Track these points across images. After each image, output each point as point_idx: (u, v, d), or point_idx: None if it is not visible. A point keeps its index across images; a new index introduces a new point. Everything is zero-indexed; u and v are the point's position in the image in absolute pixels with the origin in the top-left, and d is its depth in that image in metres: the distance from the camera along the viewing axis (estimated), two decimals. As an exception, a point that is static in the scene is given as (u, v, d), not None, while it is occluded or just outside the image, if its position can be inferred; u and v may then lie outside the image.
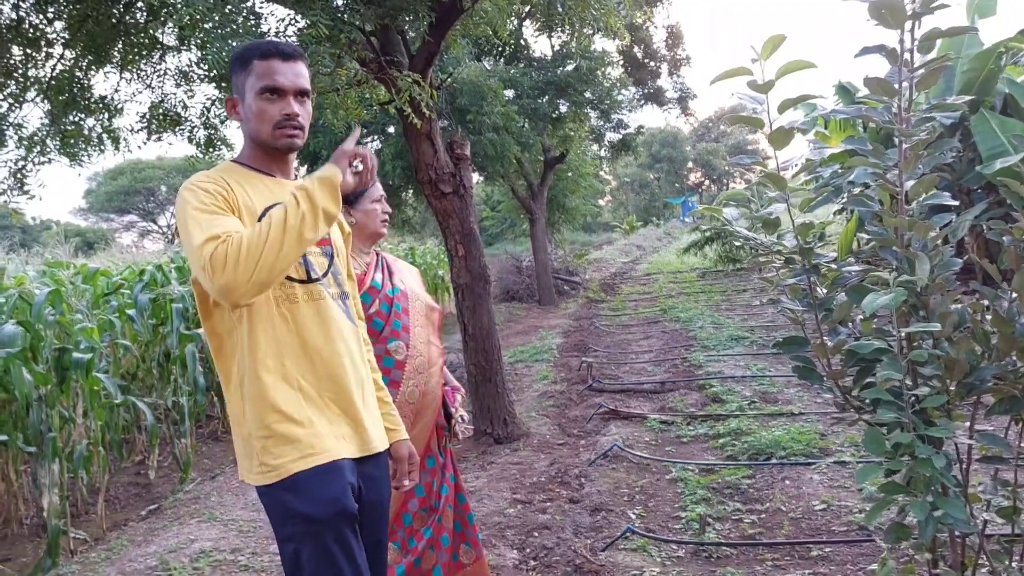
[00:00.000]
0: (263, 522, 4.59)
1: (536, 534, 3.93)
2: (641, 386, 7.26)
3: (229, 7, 3.95)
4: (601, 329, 11.39)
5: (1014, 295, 2.05)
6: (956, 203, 2.14)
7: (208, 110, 5.79)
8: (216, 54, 3.78)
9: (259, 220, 1.78)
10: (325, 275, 1.92)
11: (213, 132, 6.00)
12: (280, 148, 1.90)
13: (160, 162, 39.99)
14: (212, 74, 5.27)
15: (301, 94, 1.88)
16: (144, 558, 4.16)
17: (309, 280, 1.87)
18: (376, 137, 12.21)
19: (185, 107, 5.88)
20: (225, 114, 6.19)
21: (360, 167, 1.81)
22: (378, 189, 2.71)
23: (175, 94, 5.76)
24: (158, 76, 5.72)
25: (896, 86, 2.04)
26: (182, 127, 5.76)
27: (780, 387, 6.49)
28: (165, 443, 6.86)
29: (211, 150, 5.93)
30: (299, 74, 1.88)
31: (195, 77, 5.68)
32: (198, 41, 4.18)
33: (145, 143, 6.00)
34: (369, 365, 2.04)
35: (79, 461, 5.11)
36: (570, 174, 17.10)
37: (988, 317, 2.07)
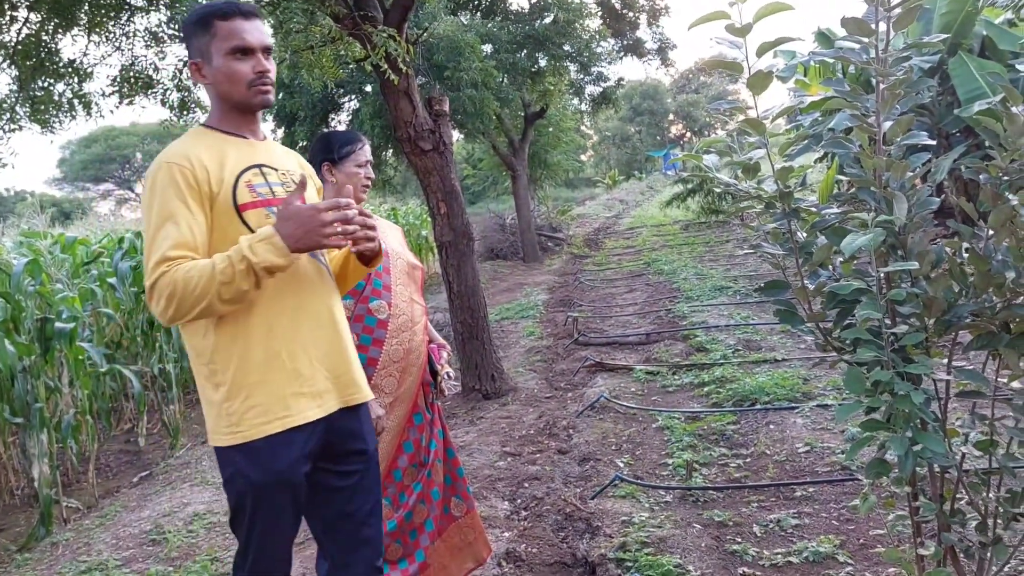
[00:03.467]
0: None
1: (526, 485, 3.99)
2: (626, 338, 7.32)
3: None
4: (586, 284, 11.43)
5: (990, 233, 2.07)
6: (934, 142, 2.14)
7: (180, 72, 5.69)
8: (185, 14, 3.70)
9: (234, 187, 1.81)
10: None
11: (186, 94, 5.90)
12: (255, 105, 1.89)
13: (134, 128, 39.29)
14: (183, 34, 5.18)
15: (267, 51, 1.89)
16: (138, 523, 4.20)
17: None
18: (354, 96, 12.04)
19: (156, 69, 5.78)
20: (198, 76, 6.09)
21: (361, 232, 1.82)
22: (365, 153, 2.68)
23: (145, 56, 5.64)
24: (127, 38, 5.59)
25: (873, 26, 2.03)
26: (154, 90, 5.67)
27: (763, 335, 6.56)
28: (153, 410, 6.86)
29: (185, 112, 5.84)
30: (262, 30, 1.89)
31: (165, 37, 5.56)
32: (167, 1, 4.09)
33: (117, 107, 5.91)
34: None
35: (67, 431, 5.11)
36: (551, 129, 16.97)
37: (965, 255, 2.10)
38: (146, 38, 5.61)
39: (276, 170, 1.93)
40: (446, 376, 3.01)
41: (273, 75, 1.90)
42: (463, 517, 2.92)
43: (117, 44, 5.60)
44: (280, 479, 1.79)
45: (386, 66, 4.74)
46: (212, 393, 1.81)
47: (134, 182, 41.78)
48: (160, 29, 5.54)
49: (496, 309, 9.71)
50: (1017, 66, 7.58)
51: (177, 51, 5.76)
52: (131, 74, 5.59)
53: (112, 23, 5.40)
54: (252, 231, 1.79)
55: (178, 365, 6.74)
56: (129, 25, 5.56)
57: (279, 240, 1.71)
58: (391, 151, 12.44)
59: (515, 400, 5.72)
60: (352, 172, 2.62)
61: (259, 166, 1.90)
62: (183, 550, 3.79)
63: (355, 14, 4.77)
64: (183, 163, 1.79)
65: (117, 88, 5.63)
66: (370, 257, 2.03)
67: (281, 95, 11.62)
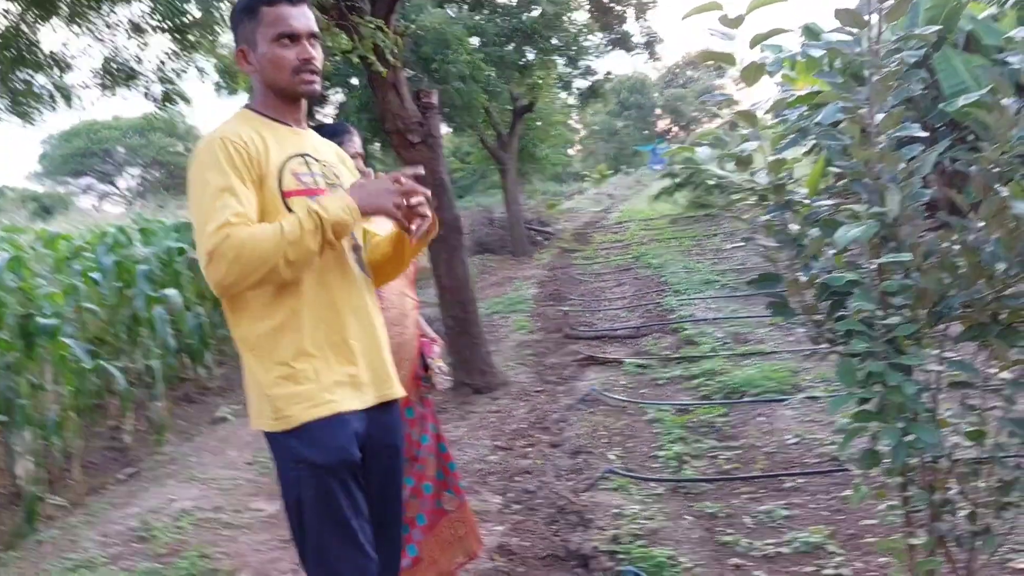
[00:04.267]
0: (243, 480, 4.60)
1: (518, 479, 3.99)
2: (616, 332, 7.33)
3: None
4: (575, 278, 11.44)
5: (981, 224, 2.08)
6: (926, 134, 2.15)
7: (164, 63, 5.62)
8: (168, 4, 3.66)
9: (280, 173, 1.80)
10: None
11: (170, 86, 5.83)
12: (301, 94, 1.88)
13: (116, 122, 38.82)
14: (166, 25, 5.10)
15: (313, 37, 1.86)
16: (125, 519, 4.16)
17: None
18: (340, 89, 11.97)
19: (139, 61, 5.71)
20: (182, 68, 6.02)
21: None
22: (355, 145, 2.66)
23: (128, 47, 5.57)
24: (109, 28, 5.52)
25: (866, 17, 2.02)
26: (137, 82, 5.60)
27: (752, 327, 6.58)
28: (139, 407, 6.81)
29: (168, 105, 5.78)
30: (309, 17, 1.86)
31: (148, 28, 5.49)
32: (149, -9, 4.05)
33: (99, 99, 5.84)
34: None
35: (52, 428, 5.05)
36: (539, 123, 16.95)
37: (956, 247, 2.10)
38: (129, 29, 5.54)
39: (319, 160, 1.92)
40: (438, 370, 3.00)
41: (319, 63, 1.88)
42: (455, 511, 2.91)
43: (99, 35, 5.53)
44: (342, 457, 1.78)
45: (373, 58, 4.71)
46: (261, 377, 1.79)
47: (116, 176, 41.37)
48: (143, 20, 5.46)
49: (486, 303, 9.70)
50: (1008, 59, 7.61)
51: (161, 42, 5.70)
52: (113, 66, 5.52)
53: (94, 13, 5.33)
54: None
55: (163, 361, 6.68)
56: (111, 15, 5.48)
57: (350, 200, 1.74)
58: (379, 144, 12.38)
59: (506, 394, 5.71)
60: None
61: (304, 155, 1.89)
62: (171, 547, 3.76)
63: (342, 4, 4.74)
64: (237, 140, 1.77)
65: (99, 80, 5.56)
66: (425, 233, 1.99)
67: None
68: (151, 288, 6.94)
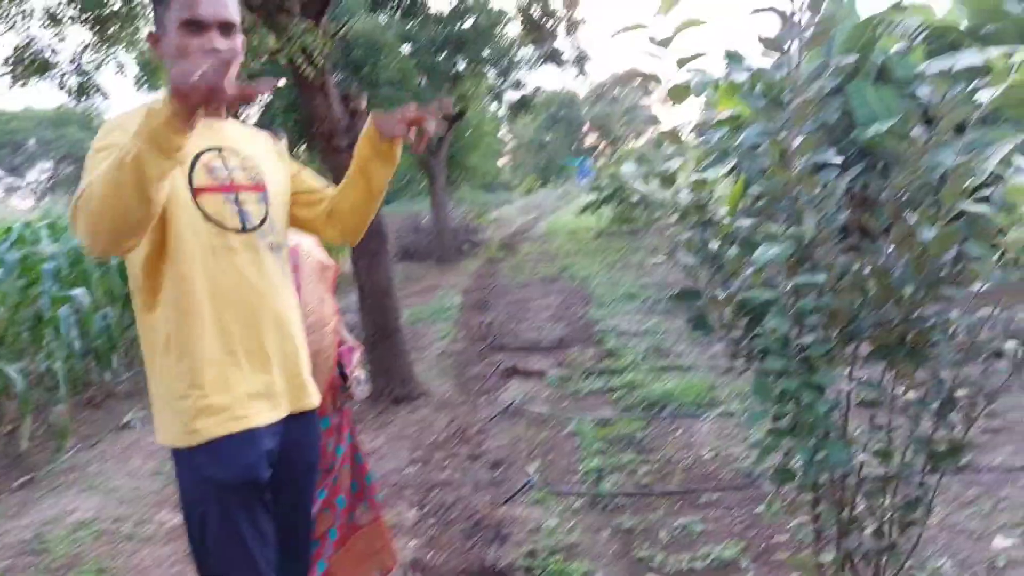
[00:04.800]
0: (148, 490, 4.41)
1: (436, 492, 3.94)
2: (540, 343, 7.35)
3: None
4: (501, 287, 11.44)
5: (890, 248, 2.15)
6: (841, 159, 2.22)
7: (80, 55, 5.38)
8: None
9: (191, 168, 1.68)
10: (262, 224, 1.79)
11: (86, 79, 5.59)
12: None
13: (28, 112, 37.06)
14: (84, 16, 4.89)
15: (226, 26, 1.71)
16: (18, 531, 3.92)
17: (244, 230, 1.74)
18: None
19: (54, 51, 5.44)
20: (100, 59, 5.76)
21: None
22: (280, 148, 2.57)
23: (42, 37, 5.31)
24: (23, 17, 5.24)
25: (786, 46, 2.08)
26: (51, 73, 5.34)
27: (672, 341, 6.70)
28: (39, 411, 6.45)
29: (84, 98, 5.53)
30: (223, 4, 1.71)
31: (65, 19, 5.25)
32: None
33: (10, 89, 5.53)
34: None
35: (-59, 432, 4.74)
36: (470, 133, 16.95)
37: (867, 269, 2.17)
38: (43, 19, 5.28)
39: (238, 154, 1.79)
40: (356, 379, 2.93)
41: (233, 54, 1.67)
42: (369, 525, 2.85)
43: (11, 23, 5.24)
44: (250, 478, 1.68)
45: (302, 60, 4.61)
46: (165, 389, 1.69)
47: (26, 169, 39.42)
48: (59, 10, 5.21)
49: (410, 311, 9.59)
50: (916, 92, 7.98)
51: (78, 33, 5.45)
52: (26, 55, 5.24)
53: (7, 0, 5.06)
54: (208, 218, 1.68)
55: (67, 364, 6.35)
56: (25, 3, 5.21)
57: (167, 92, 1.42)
58: (305, 146, 12.15)
59: (426, 404, 5.64)
60: None
61: (219, 148, 1.76)
62: (67, 560, 3.56)
63: (270, 4, 4.62)
64: (126, 126, 1.57)
65: (10, 69, 5.27)
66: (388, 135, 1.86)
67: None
68: (57, 287, 6.60)
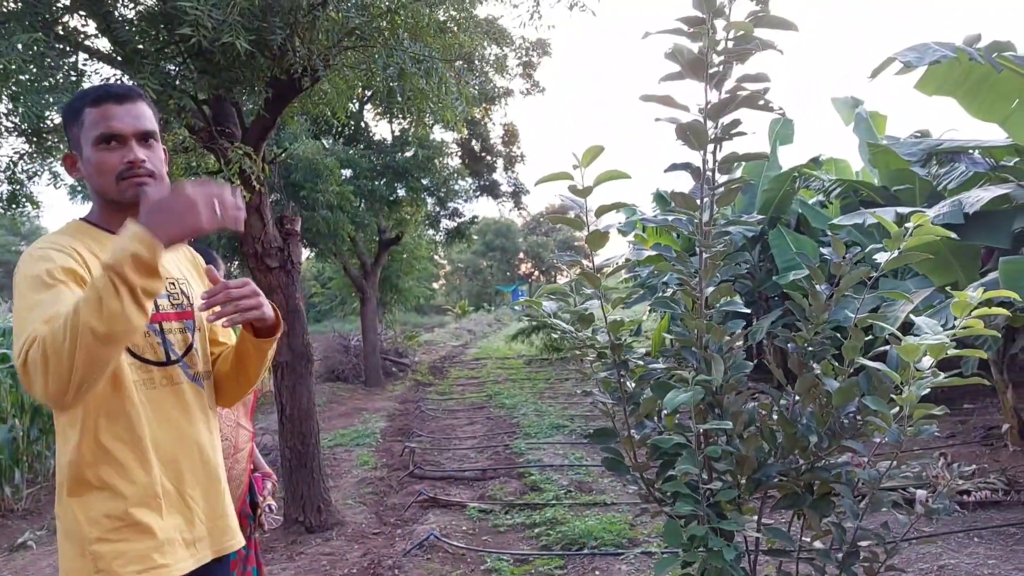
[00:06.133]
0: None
1: (342, 632, 3.72)
2: (463, 473, 7.20)
3: (48, 60, 3.70)
4: (427, 413, 11.28)
5: (796, 397, 2.25)
6: (748, 311, 2.34)
7: (15, 164, 5.33)
8: (30, 108, 3.51)
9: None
10: (186, 354, 1.72)
11: (18, 188, 5.51)
12: (128, 201, 1.63)
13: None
14: (24, 127, 4.89)
15: (144, 137, 1.66)
16: None
17: (168, 362, 1.67)
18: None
19: (-14, 159, 5.37)
20: (35, 170, 5.72)
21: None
22: (217, 275, 2.55)
23: (-26, 144, 5.25)
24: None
25: (698, 201, 2.23)
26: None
27: (595, 477, 6.66)
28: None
29: (14, 207, 5.44)
30: (138, 115, 1.66)
31: (1, 128, 5.23)
32: (11, 92, 3.87)
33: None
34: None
35: None
36: (405, 256, 17.14)
37: (775, 417, 2.25)
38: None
39: (163, 278, 1.62)
40: (267, 509, 2.83)
41: (154, 164, 1.66)
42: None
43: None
44: None
45: (239, 182, 4.68)
46: (77, 528, 1.55)
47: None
48: (-2, 120, 5.21)
49: (331, 435, 9.34)
50: (822, 251, 8.54)
51: (13, 143, 5.42)
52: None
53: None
54: (133, 356, 1.61)
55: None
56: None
57: (142, 229, 1.43)
58: (237, 263, 12.08)
59: (340, 535, 5.41)
60: None
61: None
62: None
63: (212, 128, 4.72)
64: (63, 249, 1.56)
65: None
66: (264, 329, 1.76)
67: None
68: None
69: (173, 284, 1.76)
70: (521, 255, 56.63)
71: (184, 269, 1.85)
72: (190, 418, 1.69)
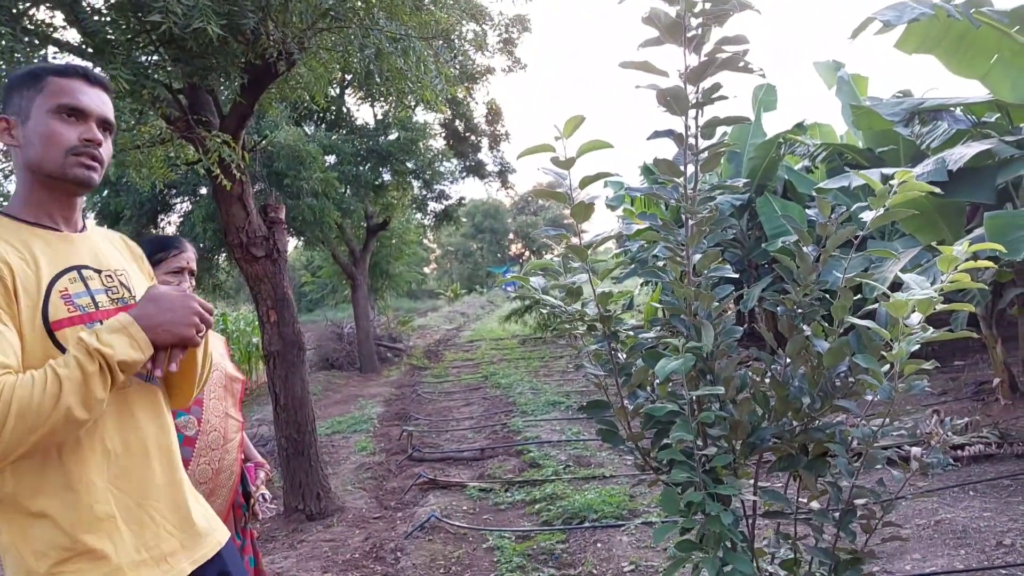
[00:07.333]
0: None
1: (347, 616, 3.74)
2: (461, 454, 7.22)
3: (17, 55, 3.63)
4: (423, 397, 11.29)
5: (787, 360, 2.24)
6: (737, 275, 2.32)
7: (-13, 161, 5.26)
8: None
9: (45, 299, 1.43)
10: None
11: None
12: (71, 180, 1.51)
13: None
14: (5, 90, 4.83)
15: (105, 125, 1.58)
16: None
17: None
18: (187, 198, 11.61)
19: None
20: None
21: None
22: (181, 260, 2.49)
23: None
24: None
25: (682, 168, 2.21)
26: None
27: (593, 450, 6.68)
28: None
29: (-12, 205, 5.36)
30: (105, 102, 1.59)
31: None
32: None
33: None
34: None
35: None
36: (394, 241, 17.07)
37: (767, 381, 2.25)
38: None
39: (100, 272, 1.55)
40: (260, 498, 2.81)
41: (105, 154, 1.57)
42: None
43: None
44: None
45: (219, 171, 4.62)
46: (30, 561, 1.39)
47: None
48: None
49: (327, 422, 9.34)
50: (809, 215, 8.55)
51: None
52: None
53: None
54: None
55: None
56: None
57: (138, 329, 1.39)
58: (223, 255, 12.00)
59: (341, 521, 5.42)
60: (163, 281, 2.41)
61: (78, 268, 1.51)
62: None
63: (189, 117, 4.65)
64: None
65: None
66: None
67: (106, 192, 11.01)
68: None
69: (111, 277, 1.59)
70: (511, 236, 56.56)
71: (124, 259, 1.70)
72: (145, 419, 1.55)
